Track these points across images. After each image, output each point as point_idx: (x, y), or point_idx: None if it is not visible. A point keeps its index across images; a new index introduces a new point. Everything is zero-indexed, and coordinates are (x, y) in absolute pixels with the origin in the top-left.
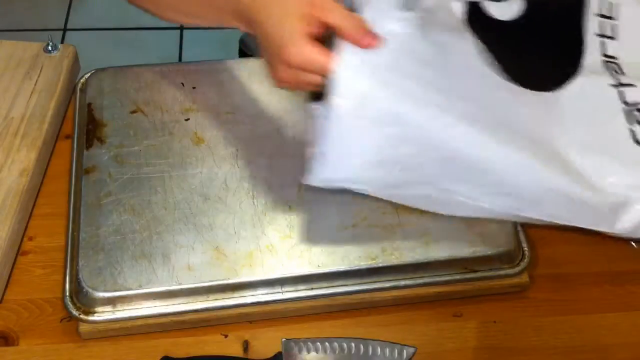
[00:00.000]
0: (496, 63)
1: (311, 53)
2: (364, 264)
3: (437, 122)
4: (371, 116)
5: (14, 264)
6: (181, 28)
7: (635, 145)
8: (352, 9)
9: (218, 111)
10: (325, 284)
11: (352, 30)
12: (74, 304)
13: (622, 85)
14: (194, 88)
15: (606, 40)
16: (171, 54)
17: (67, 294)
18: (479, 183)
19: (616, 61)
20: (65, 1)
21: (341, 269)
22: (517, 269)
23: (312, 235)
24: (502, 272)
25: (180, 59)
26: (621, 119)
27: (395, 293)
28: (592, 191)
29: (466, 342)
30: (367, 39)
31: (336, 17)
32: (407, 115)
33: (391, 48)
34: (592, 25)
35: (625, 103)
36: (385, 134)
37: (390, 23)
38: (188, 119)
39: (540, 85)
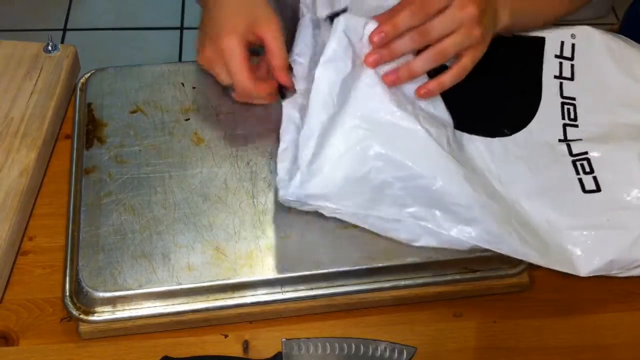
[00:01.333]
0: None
1: (240, 56)
2: (364, 264)
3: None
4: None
5: (14, 264)
6: (181, 28)
7: (583, 194)
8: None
9: (218, 111)
10: (325, 284)
11: (278, 58)
12: (74, 304)
13: (569, 140)
14: (194, 88)
15: (564, 81)
16: (171, 54)
17: (67, 294)
18: (448, 210)
19: (573, 102)
20: (65, 1)
21: (341, 269)
22: (517, 269)
23: (312, 235)
24: (502, 272)
25: (180, 59)
26: (569, 169)
27: (395, 293)
28: (543, 241)
29: (466, 342)
30: (282, 75)
31: (268, 35)
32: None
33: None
34: (551, 67)
35: (571, 154)
36: (358, 146)
37: None
38: (188, 119)
39: (493, 131)
